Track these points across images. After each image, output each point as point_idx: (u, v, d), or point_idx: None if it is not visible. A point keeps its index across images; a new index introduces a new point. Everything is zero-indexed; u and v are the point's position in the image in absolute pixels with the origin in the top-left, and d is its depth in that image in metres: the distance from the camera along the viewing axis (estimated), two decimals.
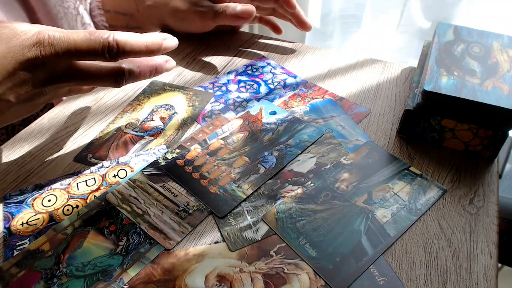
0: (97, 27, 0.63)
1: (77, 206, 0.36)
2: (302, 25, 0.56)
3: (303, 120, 0.44)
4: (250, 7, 0.50)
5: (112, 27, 0.64)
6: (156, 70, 0.37)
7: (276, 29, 0.61)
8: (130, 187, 0.38)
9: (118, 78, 0.35)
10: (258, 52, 0.56)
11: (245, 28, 0.63)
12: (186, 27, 0.56)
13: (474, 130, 0.40)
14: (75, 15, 0.56)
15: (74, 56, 0.32)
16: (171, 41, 0.37)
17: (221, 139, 0.42)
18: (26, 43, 0.31)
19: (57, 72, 0.33)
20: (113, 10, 0.62)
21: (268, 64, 0.54)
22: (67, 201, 0.37)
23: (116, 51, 0.33)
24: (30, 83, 0.32)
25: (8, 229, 0.35)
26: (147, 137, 0.43)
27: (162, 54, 0.37)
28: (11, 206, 0.36)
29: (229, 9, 0.51)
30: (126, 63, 0.35)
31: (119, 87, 0.36)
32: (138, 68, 0.36)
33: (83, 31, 0.32)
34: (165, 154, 0.41)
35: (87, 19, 0.59)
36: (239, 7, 0.50)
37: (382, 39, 1.27)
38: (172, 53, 0.55)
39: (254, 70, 0.53)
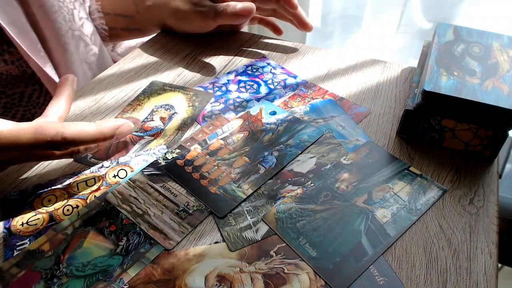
0: (96, 30, 0.62)
1: (77, 206, 0.36)
2: (303, 25, 0.56)
3: (303, 120, 0.44)
4: (250, 5, 0.50)
5: (111, 30, 0.64)
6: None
7: (277, 30, 0.61)
8: (130, 187, 0.38)
9: (73, 155, 0.39)
10: (258, 52, 0.56)
11: (244, 28, 0.63)
12: (186, 27, 0.56)
13: (474, 130, 0.40)
14: (72, 9, 0.56)
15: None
16: (125, 128, 0.38)
17: (221, 139, 0.42)
18: None
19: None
20: (113, 12, 0.62)
21: (268, 64, 0.54)
22: (67, 201, 0.37)
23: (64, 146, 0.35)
24: None
25: (8, 229, 0.35)
26: (147, 137, 0.43)
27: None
28: (11, 206, 0.36)
29: (230, 7, 0.51)
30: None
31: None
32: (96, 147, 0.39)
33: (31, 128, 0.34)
34: (165, 154, 0.41)
35: (84, 13, 0.59)
36: (239, 5, 0.50)
37: (382, 39, 1.27)
38: (173, 53, 0.55)
39: (254, 70, 0.53)
